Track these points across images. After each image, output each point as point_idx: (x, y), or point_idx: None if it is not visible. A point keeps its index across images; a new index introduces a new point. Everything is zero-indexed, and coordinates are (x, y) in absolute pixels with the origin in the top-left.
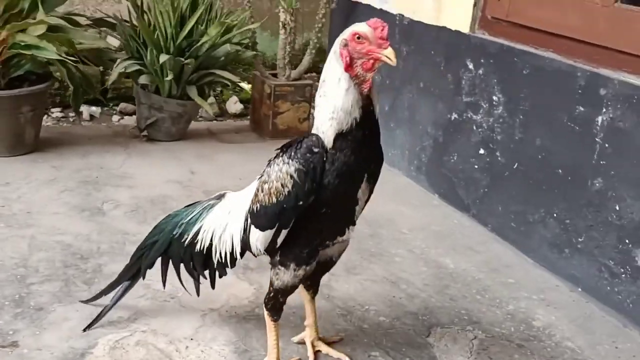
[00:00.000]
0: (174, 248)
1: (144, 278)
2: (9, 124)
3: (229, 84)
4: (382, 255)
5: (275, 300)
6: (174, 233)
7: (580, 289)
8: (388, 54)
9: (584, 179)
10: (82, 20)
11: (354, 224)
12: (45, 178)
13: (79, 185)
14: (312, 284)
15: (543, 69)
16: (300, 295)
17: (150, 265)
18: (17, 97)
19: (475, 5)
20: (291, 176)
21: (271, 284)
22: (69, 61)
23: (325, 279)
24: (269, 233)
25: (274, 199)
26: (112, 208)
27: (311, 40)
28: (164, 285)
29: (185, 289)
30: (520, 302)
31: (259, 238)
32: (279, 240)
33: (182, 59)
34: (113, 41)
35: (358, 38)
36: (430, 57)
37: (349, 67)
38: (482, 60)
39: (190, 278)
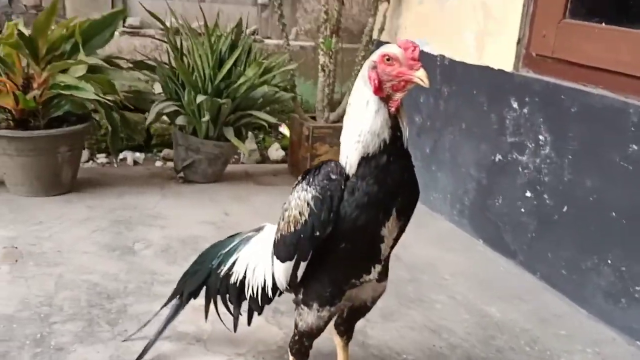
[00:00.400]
0: (212, 279)
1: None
2: (46, 164)
3: (266, 124)
4: (421, 301)
5: (300, 345)
6: (213, 263)
7: (639, 343)
8: (420, 76)
9: None
10: (122, 63)
11: (380, 262)
12: (78, 217)
13: (111, 224)
14: (345, 330)
15: (592, 106)
16: (333, 341)
17: (193, 295)
18: (55, 137)
19: (519, 43)
20: (308, 204)
21: (295, 326)
22: (107, 102)
23: (360, 324)
24: (289, 265)
25: (292, 228)
26: (143, 248)
27: (350, 82)
28: (206, 318)
29: (223, 323)
30: (574, 356)
31: (280, 270)
32: (299, 274)
33: (219, 100)
34: (157, 87)
35: (388, 60)
36: (472, 97)
37: (377, 90)
38: (527, 99)
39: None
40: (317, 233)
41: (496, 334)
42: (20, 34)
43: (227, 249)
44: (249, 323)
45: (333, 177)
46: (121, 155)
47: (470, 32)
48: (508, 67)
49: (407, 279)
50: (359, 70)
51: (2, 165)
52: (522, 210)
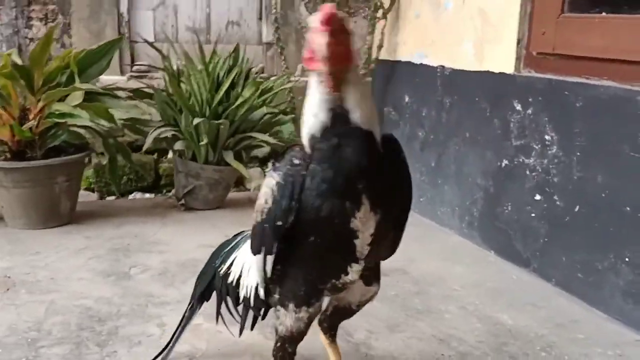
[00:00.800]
0: (215, 279)
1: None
2: (44, 195)
3: (265, 145)
4: (430, 312)
5: (284, 352)
6: (216, 262)
7: None
8: (318, 42)
9: None
10: (121, 93)
11: (357, 261)
12: (75, 247)
13: (109, 252)
14: (329, 327)
15: (598, 98)
16: (322, 342)
17: (204, 297)
18: (51, 167)
19: (518, 43)
20: (271, 191)
21: (275, 331)
22: (104, 130)
23: (362, 336)
24: (259, 259)
25: (259, 217)
26: (139, 272)
27: None
28: (217, 321)
29: (227, 328)
30: (594, 359)
31: (253, 265)
32: (268, 269)
33: (216, 122)
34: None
35: (312, 29)
36: (474, 104)
37: (307, 61)
38: (530, 99)
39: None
40: (280, 222)
41: (509, 341)
42: (15, 64)
43: (229, 248)
44: (252, 327)
45: (296, 162)
46: (131, 197)
47: (468, 39)
48: (509, 69)
49: (414, 292)
50: None
51: (0, 199)
52: (533, 215)
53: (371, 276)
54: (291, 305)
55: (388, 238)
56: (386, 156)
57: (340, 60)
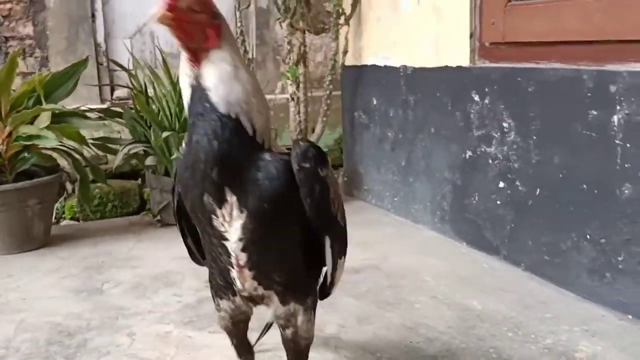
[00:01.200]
0: None
1: None
2: (16, 218)
3: None
4: (400, 304)
5: (231, 342)
6: None
7: (630, 316)
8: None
9: (611, 189)
10: (91, 114)
11: (235, 267)
12: (49, 268)
13: (82, 270)
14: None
15: (547, 81)
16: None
17: None
18: (23, 190)
19: (472, 36)
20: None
21: None
22: (72, 148)
23: (334, 330)
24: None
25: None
26: (112, 287)
27: (321, 108)
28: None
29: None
30: (560, 336)
31: None
32: (186, 247)
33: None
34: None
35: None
36: (437, 99)
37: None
38: (486, 89)
39: None
40: (175, 200)
41: (477, 324)
42: None
43: None
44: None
45: (184, 143)
46: None
47: (426, 37)
48: (465, 62)
49: (385, 285)
50: (327, 96)
51: None
52: (498, 202)
53: (286, 294)
54: (212, 292)
55: (272, 250)
56: (279, 159)
57: (190, 37)
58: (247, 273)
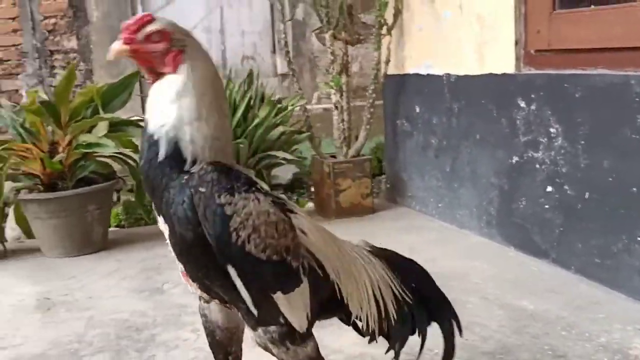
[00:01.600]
0: None
1: None
2: (76, 223)
3: (285, 162)
4: (452, 304)
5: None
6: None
7: None
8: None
9: None
10: (142, 124)
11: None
12: (109, 270)
13: (140, 272)
14: None
15: (595, 87)
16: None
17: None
18: (83, 196)
19: (517, 43)
20: None
21: None
22: (129, 156)
23: None
24: None
25: None
26: (172, 287)
27: (364, 117)
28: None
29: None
30: (613, 335)
31: None
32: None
33: (235, 142)
34: None
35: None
36: (481, 107)
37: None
38: (532, 96)
39: None
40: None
41: (530, 323)
42: (42, 101)
43: None
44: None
45: None
46: None
47: (469, 45)
48: (510, 69)
49: None
50: (370, 104)
51: (35, 230)
52: (546, 206)
53: (249, 318)
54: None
55: (197, 264)
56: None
57: (150, 64)
58: (189, 278)
